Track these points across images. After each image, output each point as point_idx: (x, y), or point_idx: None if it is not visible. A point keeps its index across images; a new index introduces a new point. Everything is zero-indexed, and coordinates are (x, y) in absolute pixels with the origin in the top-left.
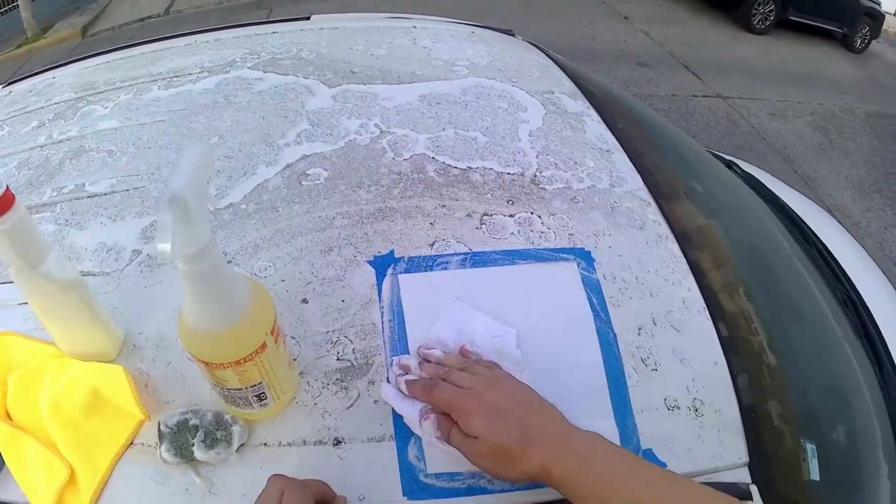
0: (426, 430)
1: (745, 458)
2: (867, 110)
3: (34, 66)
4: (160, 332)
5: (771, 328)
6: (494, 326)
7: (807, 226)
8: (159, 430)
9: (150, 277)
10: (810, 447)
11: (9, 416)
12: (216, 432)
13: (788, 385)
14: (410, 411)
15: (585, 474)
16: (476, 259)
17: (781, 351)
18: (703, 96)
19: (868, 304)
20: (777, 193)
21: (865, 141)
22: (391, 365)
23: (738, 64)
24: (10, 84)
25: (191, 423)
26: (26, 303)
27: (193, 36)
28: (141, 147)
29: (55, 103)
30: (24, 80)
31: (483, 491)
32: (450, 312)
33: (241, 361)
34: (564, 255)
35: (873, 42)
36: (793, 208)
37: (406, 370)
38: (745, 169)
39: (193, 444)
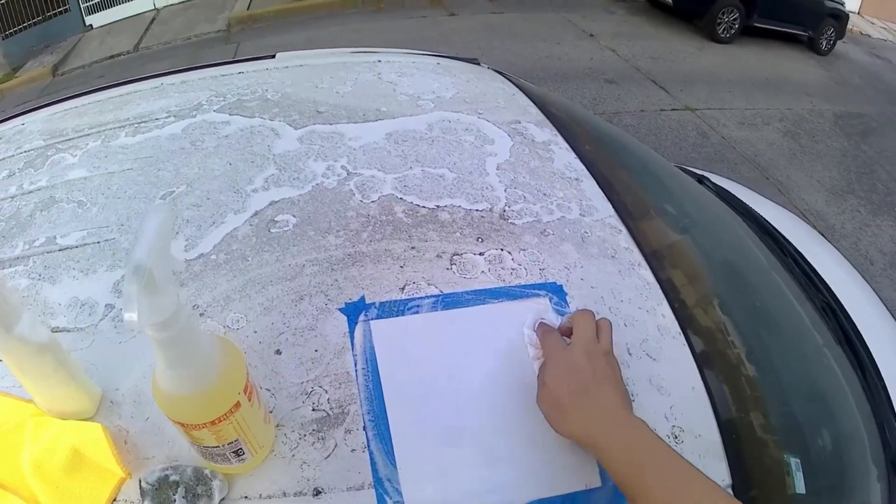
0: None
1: (728, 481)
2: (836, 111)
3: (6, 106)
4: (137, 388)
5: (749, 343)
6: None
7: (781, 235)
8: (140, 487)
9: (125, 332)
10: (794, 461)
11: None
12: (196, 487)
13: (769, 400)
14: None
15: (624, 455)
16: (447, 301)
17: (761, 365)
18: (672, 110)
19: (847, 310)
20: (750, 205)
21: (836, 142)
22: (367, 406)
23: (704, 74)
24: None
25: (171, 479)
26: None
27: (160, 78)
28: (110, 197)
29: (25, 151)
30: None
31: None
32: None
33: (216, 422)
34: (536, 291)
35: (839, 43)
36: (766, 219)
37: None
38: (717, 182)
39: (175, 501)
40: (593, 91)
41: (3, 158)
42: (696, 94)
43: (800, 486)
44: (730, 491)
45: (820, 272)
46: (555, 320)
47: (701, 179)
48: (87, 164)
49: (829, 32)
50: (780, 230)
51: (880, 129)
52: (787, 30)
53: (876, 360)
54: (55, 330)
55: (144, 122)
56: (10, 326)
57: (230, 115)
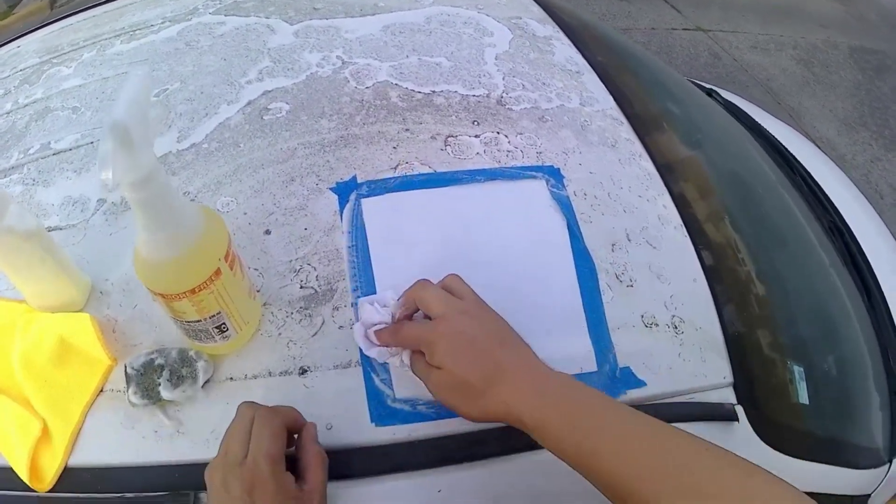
0: (392, 364)
1: (730, 378)
2: (851, 45)
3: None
4: (126, 277)
5: (754, 248)
6: None
7: (790, 153)
8: (126, 372)
9: (115, 224)
10: (798, 369)
11: None
12: (181, 370)
13: (774, 304)
14: (380, 354)
15: (566, 423)
16: (440, 179)
17: (765, 272)
18: (684, 29)
19: (854, 233)
20: (759, 121)
21: (850, 75)
22: (358, 304)
23: None
24: None
25: (156, 362)
26: None
27: None
28: (104, 101)
29: (20, 70)
30: None
31: (451, 415)
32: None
33: (196, 290)
34: (532, 173)
35: None
36: (775, 136)
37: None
38: (726, 97)
39: (160, 384)
40: (603, 6)
41: (0, 80)
42: (709, 16)
43: (803, 396)
44: (732, 390)
45: (827, 192)
46: (384, 313)
47: (710, 93)
48: (82, 73)
49: None
50: (788, 148)
51: (895, 67)
52: None
53: (882, 285)
54: (49, 229)
55: (140, 29)
56: None
57: (226, 15)
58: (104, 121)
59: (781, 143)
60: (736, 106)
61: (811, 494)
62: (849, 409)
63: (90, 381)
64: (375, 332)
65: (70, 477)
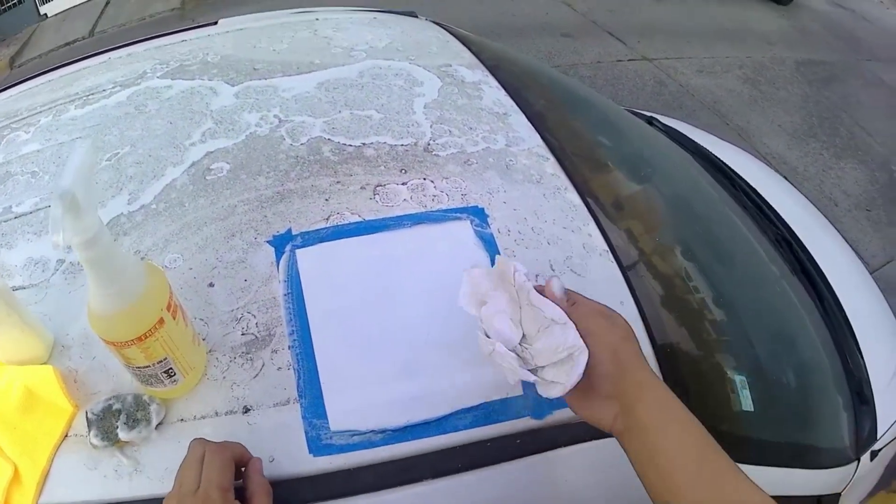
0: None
1: None
2: (797, 59)
3: None
4: (84, 331)
5: (694, 267)
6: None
7: (731, 170)
8: (87, 417)
9: (74, 283)
10: (739, 379)
11: None
12: (136, 413)
13: (711, 320)
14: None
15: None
16: (368, 227)
17: (706, 287)
18: (629, 60)
19: (804, 242)
20: (700, 143)
21: (798, 88)
22: (292, 326)
23: (662, 26)
24: None
25: (114, 407)
26: None
27: (108, 53)
28: (61, 165)
29: None
30: None
31: (383, 443)
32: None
33: (143, 338)
34: (457, 215)
35: None
36: (717, 155)
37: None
38: (667, 123)
39: (118, 427)
40: (549, 45)
41: None
42: (653, 45)
43: (746, 404)
44: None
45: (774, 206)
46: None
47: (651, 121)
48: (40, 138)
49: None
50: (730, 165)
51: (843, 76)
52: None
53: (836, 290)
54: (13, 289)
55: (92, 94)
56: None
57: (172, 79)
58: (53, 189)
59: (722, 162)
60: (676, 130)
61: (777, 498)
62: (806, 412)
63: (56, 427)
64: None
65: None
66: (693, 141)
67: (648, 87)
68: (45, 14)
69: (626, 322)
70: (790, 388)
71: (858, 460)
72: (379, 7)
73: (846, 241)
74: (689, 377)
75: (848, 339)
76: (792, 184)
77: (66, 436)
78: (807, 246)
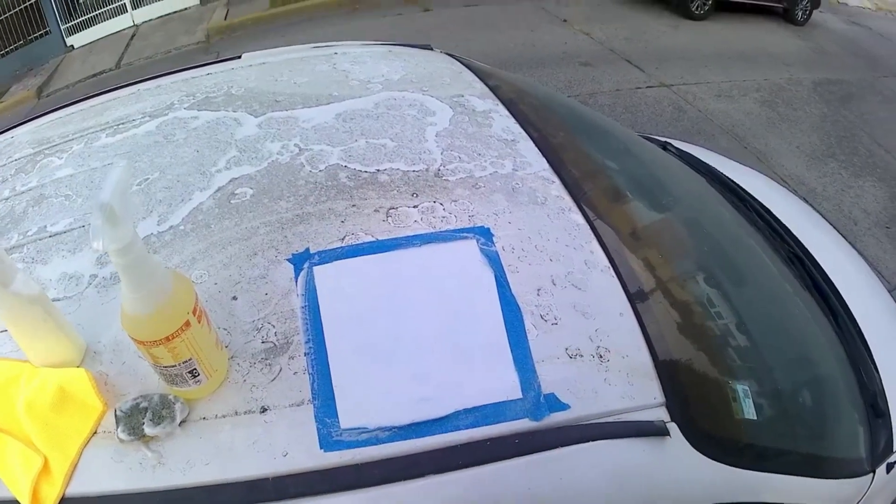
0: None
1: (661, 399)
2: (814, 79)
3: None
4: (115, 339)
5: (701, 282)
6: None
7: (745, 192)
8: (115, 414)
9: (106, 296)
10: (741, 388)
11: None
12: (162, 410)
13: (714, 331)
14: None
15: None
16: (381, 245)
17: (704, 298)
18: (647, 87)
19: (818, 260)
20: (713, 165)
21: (815, 109)
22: (308, 335)
23: (680, 52)
24: None
25: (141, 405)
26: (2, 331)
27: (137, 85)
28: (93, 188)
29: (15, 160)
30: None
31: (389, 440)
32: None
33: (170, 338)
34: (464, 234)
35: (815, 12)
36: (731, 178)
37: None
38: (681, 147)
39: (144, 423)
40: (568, 74)
41: None
42: (671, 71)
43: (749, 412)
44: (664, 409)
45: (787, 225)
46: None
47: (665, 146)
48: (73, 164)
49: (804, 2)
50: (745, 188)
51: (860, 94)
52: (762, 2)
53: (850, 305)
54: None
55: (123, 123)
56: (6, 283)
57: (198, 110)
58: (94, 201)
59: (736, 184)
60: (689, 154)
61: None
62: (820, 422)
63: (86, 424)
64: None
65: None
66: (706, 164)
67: (667, 113)
68: (72, 45)
69: None
70: (804, 399)
71: (874, 472)
72: (405, 41)
73: (864, 258)
74: (689, 387)
75: (862, 353)
76: (810, 204)
77: (95, 432)
78: (820, 263)
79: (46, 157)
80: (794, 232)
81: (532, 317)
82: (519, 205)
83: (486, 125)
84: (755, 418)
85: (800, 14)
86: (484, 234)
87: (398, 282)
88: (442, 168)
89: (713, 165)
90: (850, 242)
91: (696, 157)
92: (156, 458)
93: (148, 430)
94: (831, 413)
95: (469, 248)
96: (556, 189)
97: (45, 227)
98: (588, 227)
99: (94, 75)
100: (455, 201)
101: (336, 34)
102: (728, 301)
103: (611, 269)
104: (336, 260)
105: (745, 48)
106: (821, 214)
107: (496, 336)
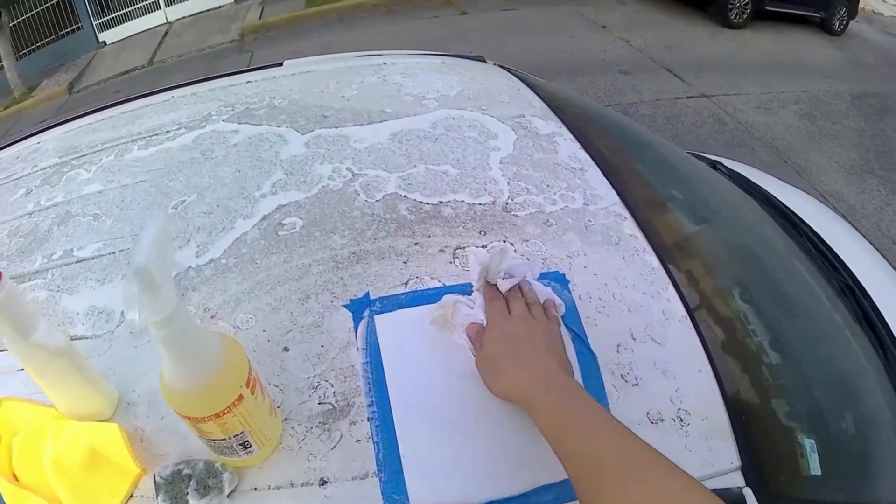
0: (467, 333)
1: (737, 463)
2: (852, 91)
3: (23, 126)
4: (152, 389)
5: (762, 325)
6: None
7: (797, 217)
8: (155, 481)
9: (140, 337)
10: (809, 443)
11: (15, 478)
12: (208, 480)
13: (783, 382)
14: (475, 296)
15: (558, 406)
16: (449, 292)
17: (775, 348)
18: (688, 97)
19: (867, 290)
20: (764, 187)
21: (853, 122)
22: (371, 397)
23: (719, 61)
24: None
25: (184, 472)
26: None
27: (171, 92)
28: (124, 209)
29: (41, 169)
30: (9, 147)
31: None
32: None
33: (221, 414)
34: (538, 282)
35: (851, 23)
36: (781, 201)
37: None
38: (731, 167)
39: (188, 493)
40: (608, 83)
41: (21, 177)
42: (711, 81)
43: (815, 468)
44: (740, 474)
45: (838, 253)
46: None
47: (715, 165)
48: (102, 179)
49: (841, 12)
50: (795, 212)
51: None
52: (799, 12)
53: None
54: (74, 338)
55: (156, 134)
56: (28, 334)
57: (238, 123)
58: (128, 265)
59: (788, 208)
60: (741, 175)
61: None
62: (872, 470)
63: (120, 488)
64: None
65: None
66: (758, 186)
67: (708, 125)
68: (104, 41)
69: (538, 322)
70: (852, 447)
71: None
72: (441, 45)
73: None
74: (762, 447)
75: None
76: (852, 224)
77: (132, 496)
78: (870, 294)
79: (74, 168)
80: (845, 260)
81: (612, 377)
82: (593, 245)
83: (551, 151)
84: (819, 474)
85: (837, 24)
86: (559, 281)
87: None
88: (510, 202)
89: (763, 187)
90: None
91: (747, 179)
92: None
93: (193, 501)
94: (886, 459)
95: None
96: (629, 227)
97: (72, 250)
98: (663, 270)
99: (126, 72)
100: (526, 241)
101: (372, 36)
102: (796, 351)
103: (688, 318)
104: (399, 308)
105: (784, 58)
106: (867, 240)
107: None
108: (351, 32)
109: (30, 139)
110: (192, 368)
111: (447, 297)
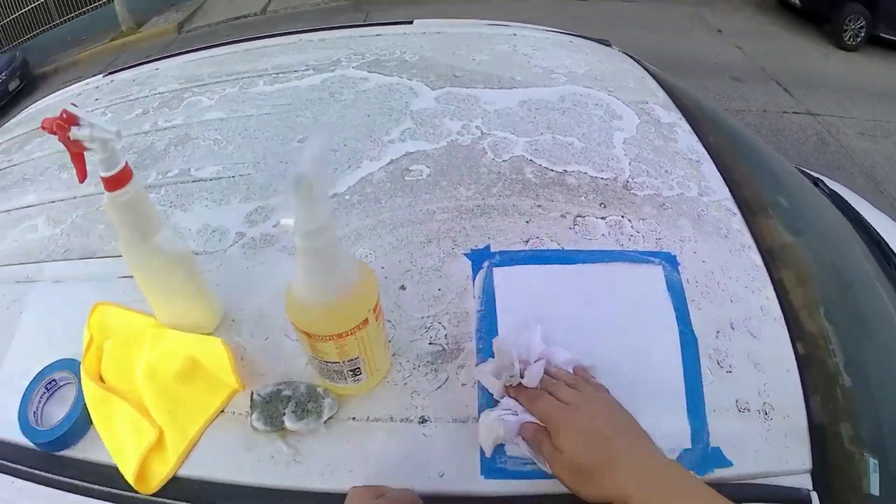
0: (522, 436)
1: (809, 465)
2: None
3: (128, 60)
4: (260, 310)
5: (846, 341)
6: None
7: (889, 246)
8: (252, 399)
9: (253, 258)
10: (873, 461)
11: (101, 380)
12: (307, 404)
13: (859, 402)
14: (506, 402)
15: None
16: (568, 257)
17: (856, 365)
18: (794, 113)
19: None
20: (861, 213)
21: None
22: (482, 343)
23: (828, 80)
24: (111, 73)
25: (283, 393)
26: (127, 277)
27: (298, 35)
28: (247, 137)
29: (160, 93)
30: (125, 70)
31: (551, 476)
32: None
33: (343, 335)
34: (651, 258)
35: None
36: (875, 228)
37: (507, 364)
38: (832, 187)
39: (284, 414)
40: (719, 87)
41: (137, 98)
42: (818, 100)
43: (874, 488)
44: (809, 477)
45: None
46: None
47: (816, 182)
48: (224, 107)
49: None
50: (887, 241)
51: None
52: None
53: None
54: None
55: (283, 73)
56: (148, 237)
57: (369, 72)
58: (289, 172)
59: (881, 236)
60: (840, 196)
61: None
62: None
63: (213, 401)
64: (509, 385)
65: (177, 485)
66: (855, 210)
67: (811, 144)
68: None
69: (601, 401)
70: None
71: None
72: (553, 27)
73: None
74: (833, 455)
75: None
76: None
77: (223, 412)
78: None
79: (195, 95)
80: None
81: (709, 361)
82: (704, 234)
83: (671, 139)
84: (877, 494)
85: None
86: (670, 262)
87: (579, 299)
88: (630, 180)
89: (860, 212)
90: None
91: (846, 201)
92: (292, 454)
93: (289, 423)
94: None
95: (655, 274)
96: (738, 223)
97: (189, 170)
98: (765, 269)
99: (238, 18)
100: (643, 219)
101: (488, 11)
102: (871, 374)
103: (782, 319)
104: (518, 264)
105: (893, 88)
106: None
107: (672, 376)
108: (466, 6)
109: (147, 65)
110: (326, 285)
111: (486, 421)
